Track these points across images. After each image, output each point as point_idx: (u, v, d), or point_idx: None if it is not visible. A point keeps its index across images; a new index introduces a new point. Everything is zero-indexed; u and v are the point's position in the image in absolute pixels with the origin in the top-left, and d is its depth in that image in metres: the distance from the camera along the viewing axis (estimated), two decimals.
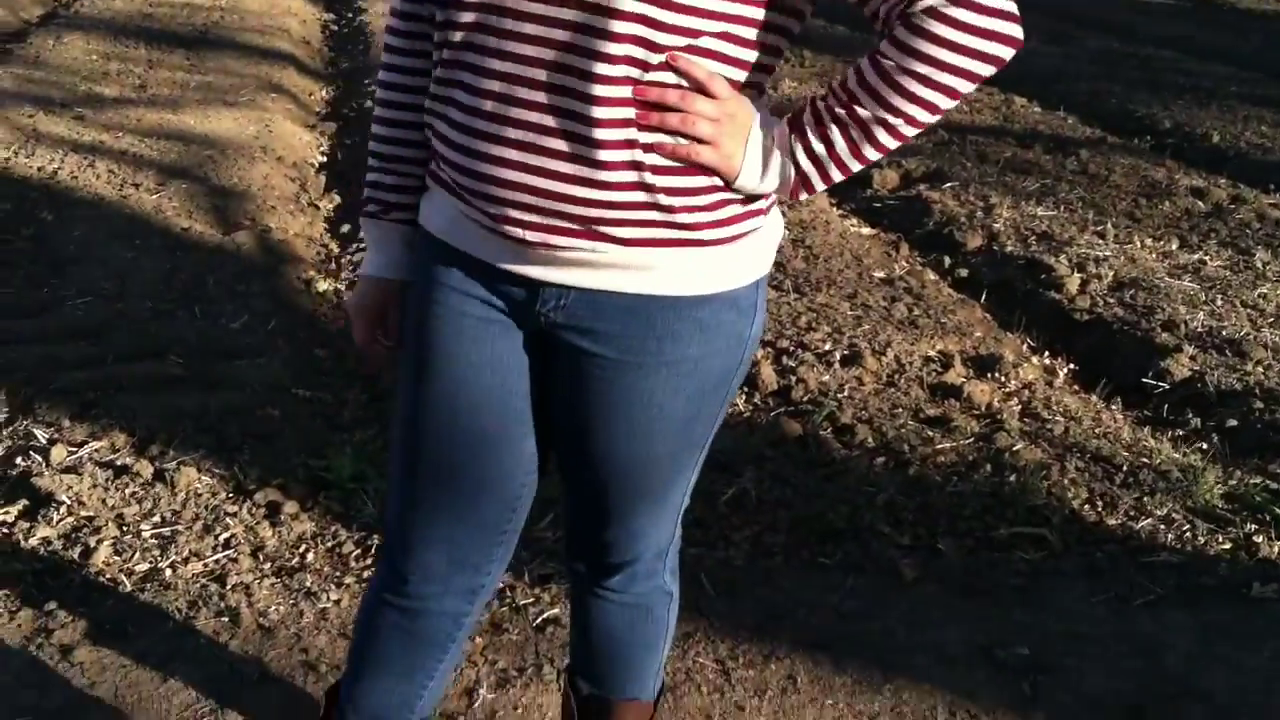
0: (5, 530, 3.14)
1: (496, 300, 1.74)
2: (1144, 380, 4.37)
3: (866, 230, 6.06)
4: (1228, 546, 3.33)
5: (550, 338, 1.76)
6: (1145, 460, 3.75)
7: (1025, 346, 4.70)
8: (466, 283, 1.74)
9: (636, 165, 1.57)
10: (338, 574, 3.05)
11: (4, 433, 3.61)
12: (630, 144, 1.57)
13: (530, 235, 1.62)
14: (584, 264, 1.65)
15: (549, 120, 1.56)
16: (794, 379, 4.14)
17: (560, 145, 1.56)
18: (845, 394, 4.08)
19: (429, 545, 1.88)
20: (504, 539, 1.91)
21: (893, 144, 1.62)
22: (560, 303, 1.70)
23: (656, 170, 1.59)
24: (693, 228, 1.63)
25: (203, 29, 9.51)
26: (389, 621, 1.96)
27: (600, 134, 1.55)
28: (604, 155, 1.56)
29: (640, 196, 1.59)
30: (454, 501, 1.84)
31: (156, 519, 3.22)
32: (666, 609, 2.08)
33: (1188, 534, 3.38)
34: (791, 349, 4.39)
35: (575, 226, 1.60)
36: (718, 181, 1.64)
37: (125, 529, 3.16)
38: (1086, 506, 3.49)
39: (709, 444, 1.89)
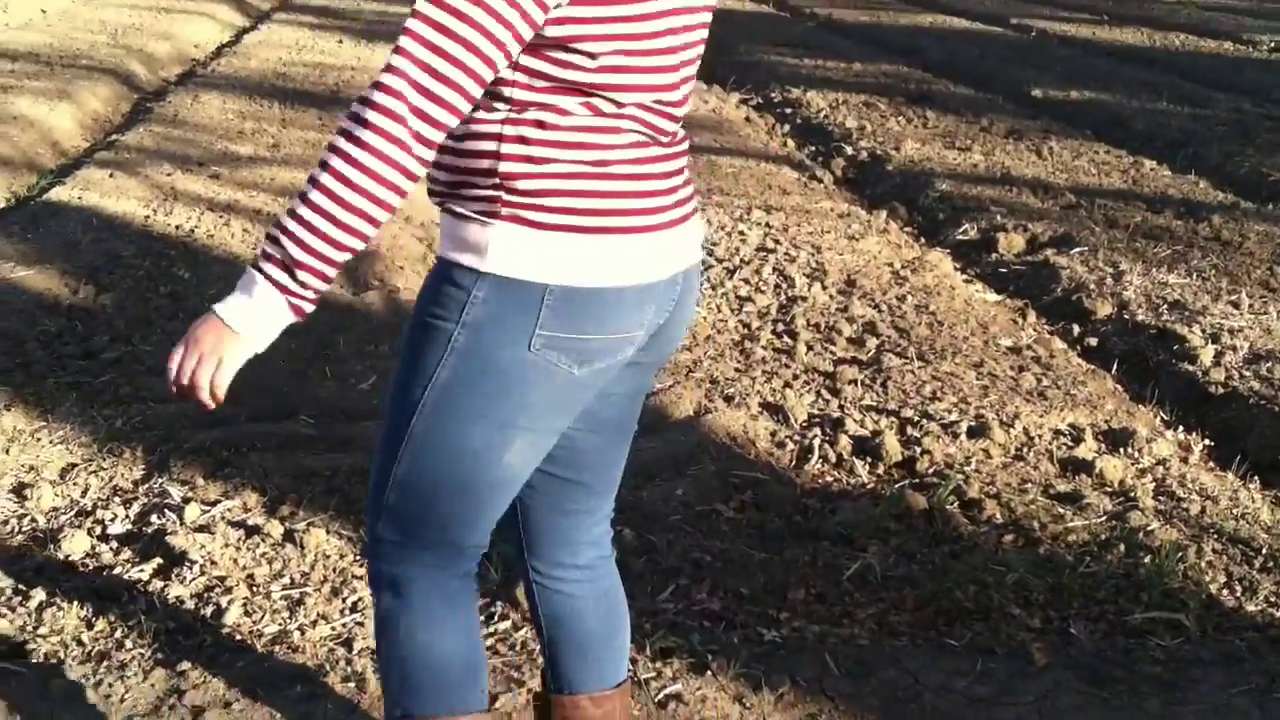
0: (141, 588, 3.21)
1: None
2: None
3: (992, 296, 5.98)
4: None
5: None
6: None
7: (1159, 420, 4.58)
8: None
9: None
10: None
11: (140, 490, 3.70)
12: None
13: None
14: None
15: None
16: (919, 450, 4.08)
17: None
18: (972, 467, 4.01)
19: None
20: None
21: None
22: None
23: None
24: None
25: (334, 88, 9.75)
26: None
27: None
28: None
29: None
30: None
31: (286, 580, 3.27)
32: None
33: None
34: (916, 419, 4.33)
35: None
36: None
37: (256, 590, 3.22)
38: (1225, 591, 3.38)
39: None
